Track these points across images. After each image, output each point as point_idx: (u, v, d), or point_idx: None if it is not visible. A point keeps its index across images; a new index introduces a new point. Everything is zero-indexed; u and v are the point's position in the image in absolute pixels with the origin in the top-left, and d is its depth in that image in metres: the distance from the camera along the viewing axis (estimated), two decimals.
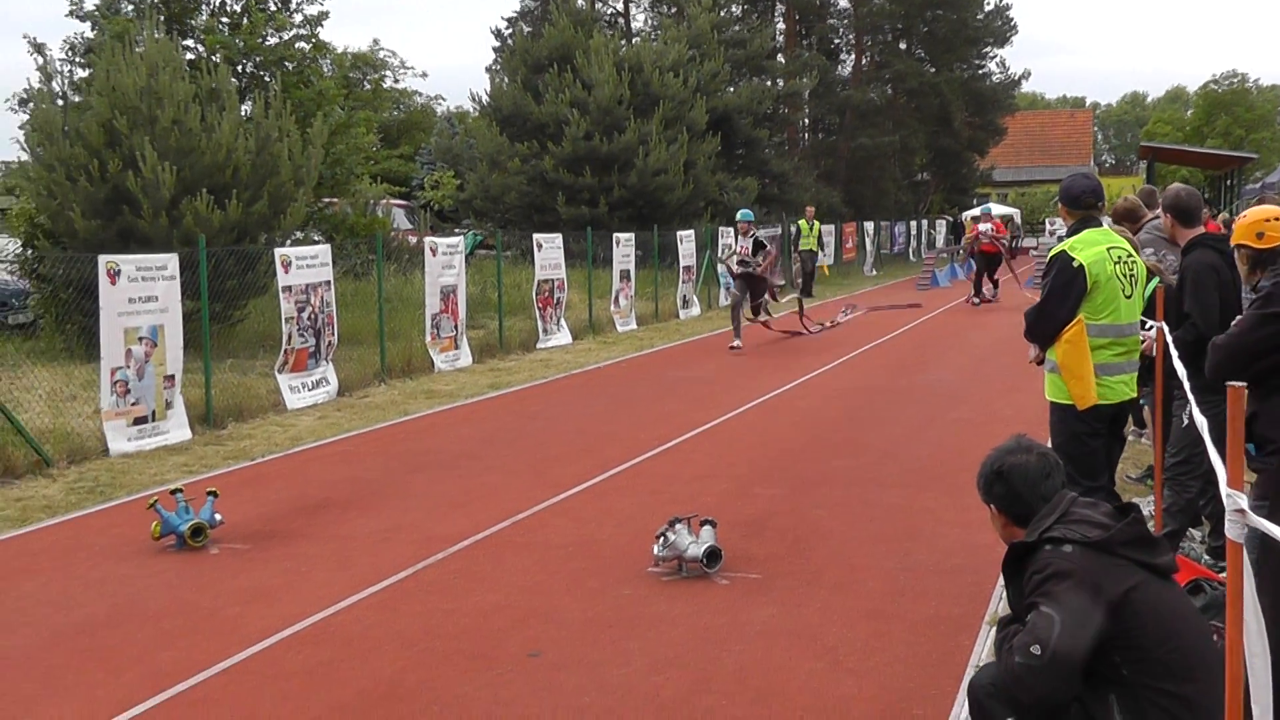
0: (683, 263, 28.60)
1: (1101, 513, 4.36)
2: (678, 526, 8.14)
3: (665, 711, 5.86)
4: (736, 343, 21.28)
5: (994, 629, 4.56)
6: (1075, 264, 7.14)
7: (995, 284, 31.66)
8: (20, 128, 25.01)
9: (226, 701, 6.16)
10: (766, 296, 23.05)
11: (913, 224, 56.36)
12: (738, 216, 22.42)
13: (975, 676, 4.47)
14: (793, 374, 17.72)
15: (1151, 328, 8.02)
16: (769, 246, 22.40)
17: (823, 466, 11.42)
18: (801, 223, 34.57)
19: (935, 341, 20.27)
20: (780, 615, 7.26)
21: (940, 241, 55.08)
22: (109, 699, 6.23)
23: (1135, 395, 7.49)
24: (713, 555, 8.03)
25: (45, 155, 19.12)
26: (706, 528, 8.26)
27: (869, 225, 46.10)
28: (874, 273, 44.38)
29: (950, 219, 57.80)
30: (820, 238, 36.04)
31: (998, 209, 65.51)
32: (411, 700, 6.10)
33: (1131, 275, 7.28)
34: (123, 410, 12.84)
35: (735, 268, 22.21)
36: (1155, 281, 8.38)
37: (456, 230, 38.97)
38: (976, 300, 30.11)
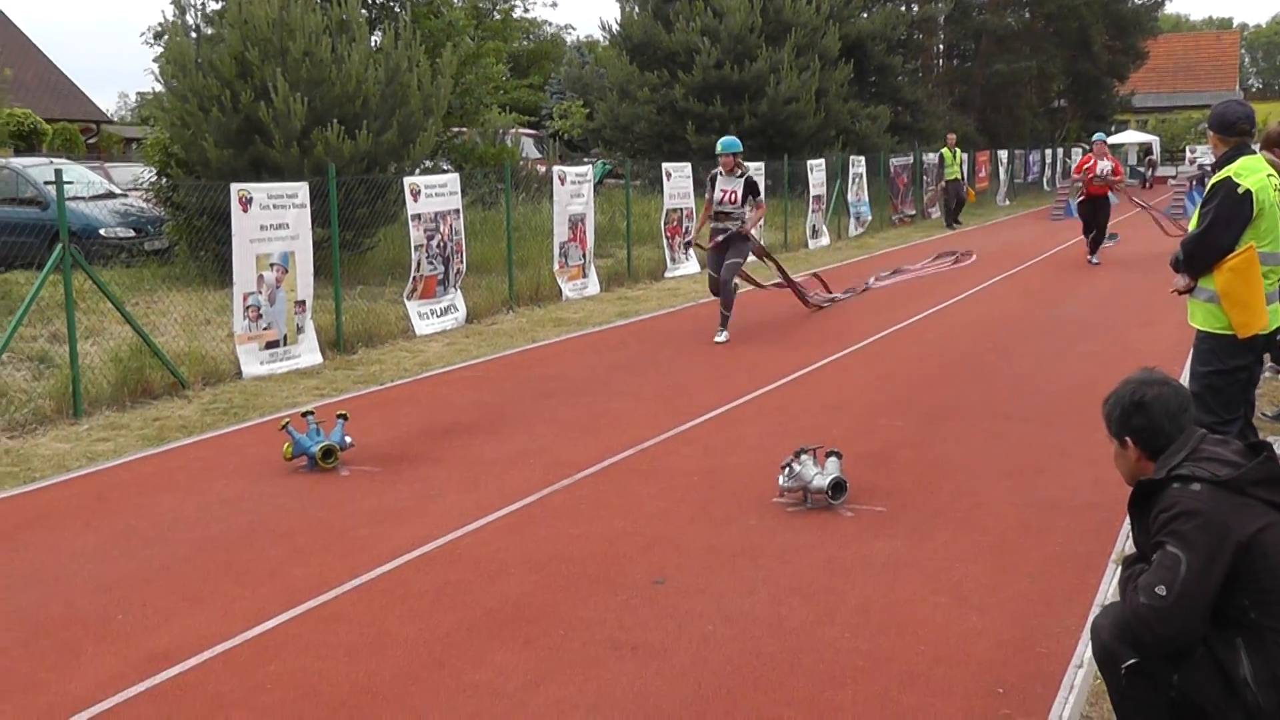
0: (813, 192, 28.31)
1: (1232, 450, 4.23)
2: (803, 457, 8.10)
3: (788, 641, 5.85)
4: (721, 336, 14.89)
5: (1119, 568, 4.46)
6: (1241, 190, 6.94)
7: (1111, 236, 25.27)
8: (155, 60, 25.43)
9: (357, 618, 6.28)
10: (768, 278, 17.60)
11: (1048, 152, 55.18)
12: (719, 147, 15.39)
13: (1099, 616, 4.38)
14: (922, 305, 17.50)
15: None
16: (760, 193, 15.59)
17: (950, 399, 11.29)
18: (945, 151, 33.67)
19: (1067, 273, 19.86)
20: (904, 549, 7.20)
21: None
22: (244, 611, 6.38)
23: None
24: (838, 487, 7.99)
25: (179, 87, 19.43)
26: (832, 459, 8.21)
27: (1003, 154, 45.19)
28: (1007, 202, 43.60)
29: (1087, 147, 56.51)
30: (964, 165, 35.25)
31: (1136, 136, 64.10)
32: (537, 621, 6.16)
33: None
34: (255, 334, 13.08)
35: (713, 226, 15.45)
36: None
37: (585, 159, 39.04)
38: (1094, 258, 23.18)
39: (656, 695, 5.29)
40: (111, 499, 8.70)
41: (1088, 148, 24.45)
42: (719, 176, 15.21)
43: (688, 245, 16.12)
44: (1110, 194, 23.74)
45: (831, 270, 23.11)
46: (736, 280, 15.23)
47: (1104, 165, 22.95)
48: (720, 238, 15.09)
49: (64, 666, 5.79)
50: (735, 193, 15.05)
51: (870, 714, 5.08)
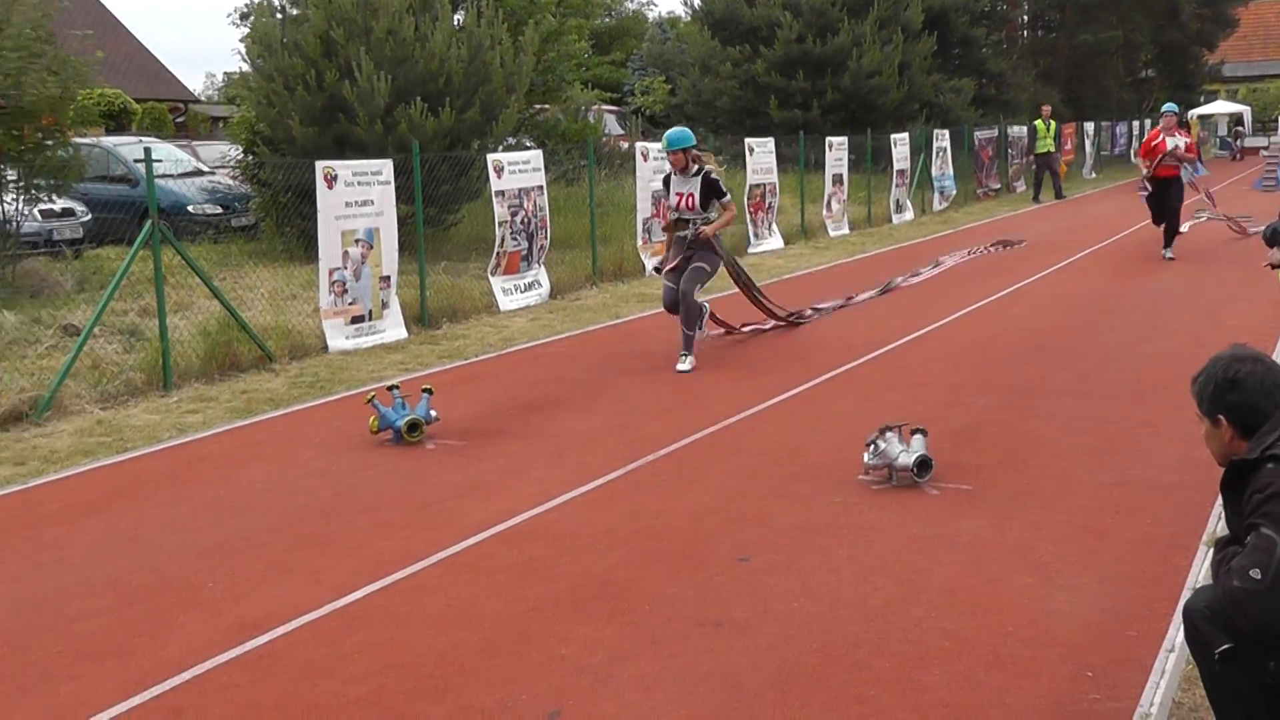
0: (896, 166, 28.09)
1: None
2: (888, 434, 8.04)
3: (873, 620, 5.82)
4: (685, 364, 11.86)
5: (1211, 550, 4.37)
6: None
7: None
8: (241, 41, 25.66)
9: (442, 590, 6.32)
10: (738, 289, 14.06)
11: (1135, 124, 54.29)
12: (664, 142, 12.51)
13: (1191, 599, 4.29)
14: (1008, 279, 17.30)
15: None
16: (726, 193, 12.38)
17: (1037, 376, 11.16)
18: (1038, 123, 33.00)
19: (1154, 247, 19.52)
20: (990, 528, 7.13)
21: None
22: (331, 582, 6.45)
23: None
24: (923, 464, 7.93)
25: (265, 66, 19.66)
26: (917, 436, 8.15)
27: (1089, 126, 44.55)
28: (1094, 175, 43.04)
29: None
30: (1058, 137, 34.60)
31: (1226, 106, 62.75)
32: (622, 597, 6.17)
33: None
34: (340, 309, 13.20)
35: (673, 233, 12.45)
36: None
37: None
38: (1169, 252, 19.54)
39: (741, 672, 5.28)
40: (200, 470, 8.83)
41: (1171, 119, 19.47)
42: (672, 178, 12.38)
43: (659, 269, 13.22)
44: (1183, 171, 19.48)
45: (914, 246, 22.94)
46: (702, 300, 12.31)
47: (1174, 142, 19.03)
48: (681, 236, 12.29)
49: (155, 633, 5.89)
50: (693, 196, 12.13)
51: (955, 695, 5.04)
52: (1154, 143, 19.41)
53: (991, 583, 6.26)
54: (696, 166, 12.17)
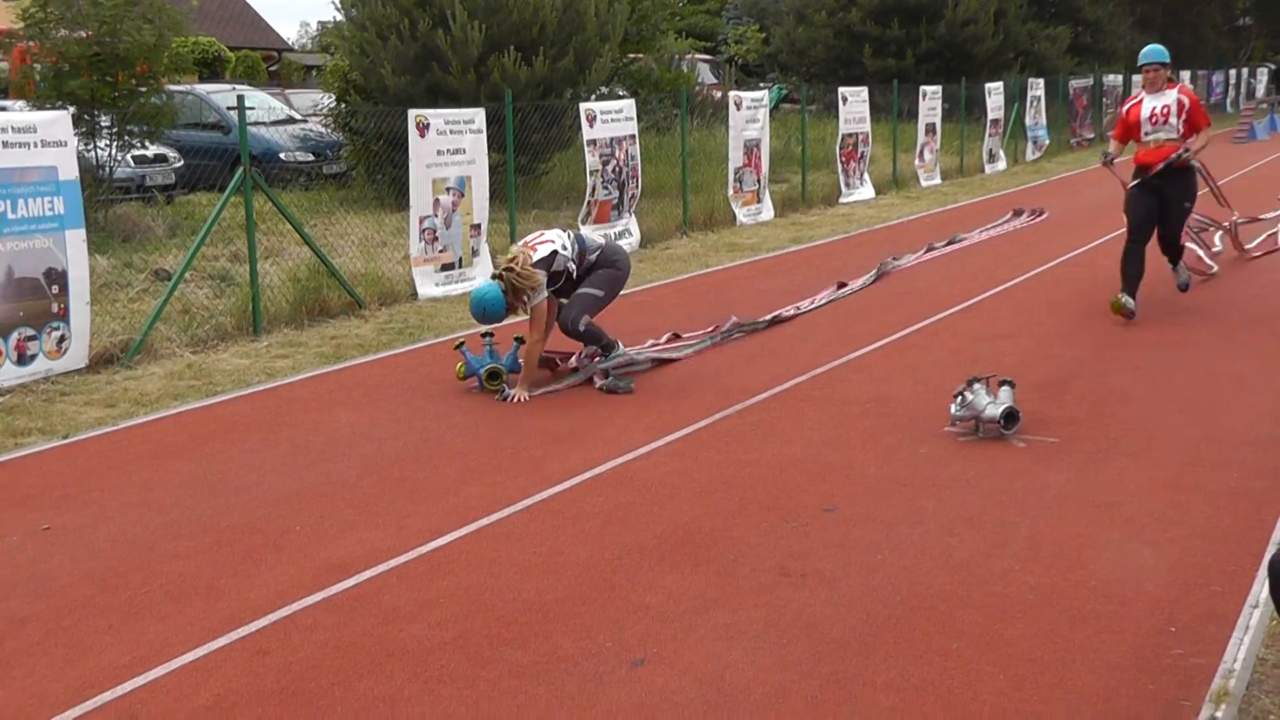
0: (990, 116, 27.71)
1: None
2: (976, 386, 7.96)
3: (959, 573, 5.77)
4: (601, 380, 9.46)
5: None
6: None
7: None
8: None
9: (529, 537, 6.35)
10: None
11: (1231, 73, 53.12)
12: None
13: (1276, 554, 4.22)
14: (1100, 230, 16.99)
15: None
16: (590, 252, 9.75)
17: (1127, 327, 10.99)
18: None
19: (1248, 199, 19.05)
20: (1077, 481, 7.04)
21: (1260, 91, 51.90)
22: (419, 528, 6.50)
23: None
24: (1010, 416, 7.84)
25: (359, 15, 19.77)
26: (1005, 388, 8.06)
27: (1185, 74, 43.58)
28: None
29: (1273, 66, 54.18)
30: None
31: None
32: (708, 546, 6.16)
33: None
34: (431, 257, 13.26)
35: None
36: None
37: (761, 84, 38.70)
38: (1181, 276, 12.38)
39: (825, 623, 5.26)
40: (289, 414, 8.92)
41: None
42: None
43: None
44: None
45: (1008, 195, 22.61)
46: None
47: (1157, 104, 11.48)
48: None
49: (244, 574, 5.97)
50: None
51: (1039, 650, 4.99)
52: (1129, 105, 11.90)
53: (1077, 537, 6.19)
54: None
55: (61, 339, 9.95)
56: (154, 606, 5.64)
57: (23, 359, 9.68)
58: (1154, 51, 11.49)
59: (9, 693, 4.88)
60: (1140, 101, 11.58)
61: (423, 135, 13.08)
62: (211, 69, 39.86)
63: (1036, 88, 30.67)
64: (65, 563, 6.20)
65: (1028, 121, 30.19)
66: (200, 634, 5.31)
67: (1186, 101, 11.29)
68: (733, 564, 5.92)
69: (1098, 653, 4.95)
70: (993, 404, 7.85)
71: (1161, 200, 11.34)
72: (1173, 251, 11.94)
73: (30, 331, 9.71)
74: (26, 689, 4.89)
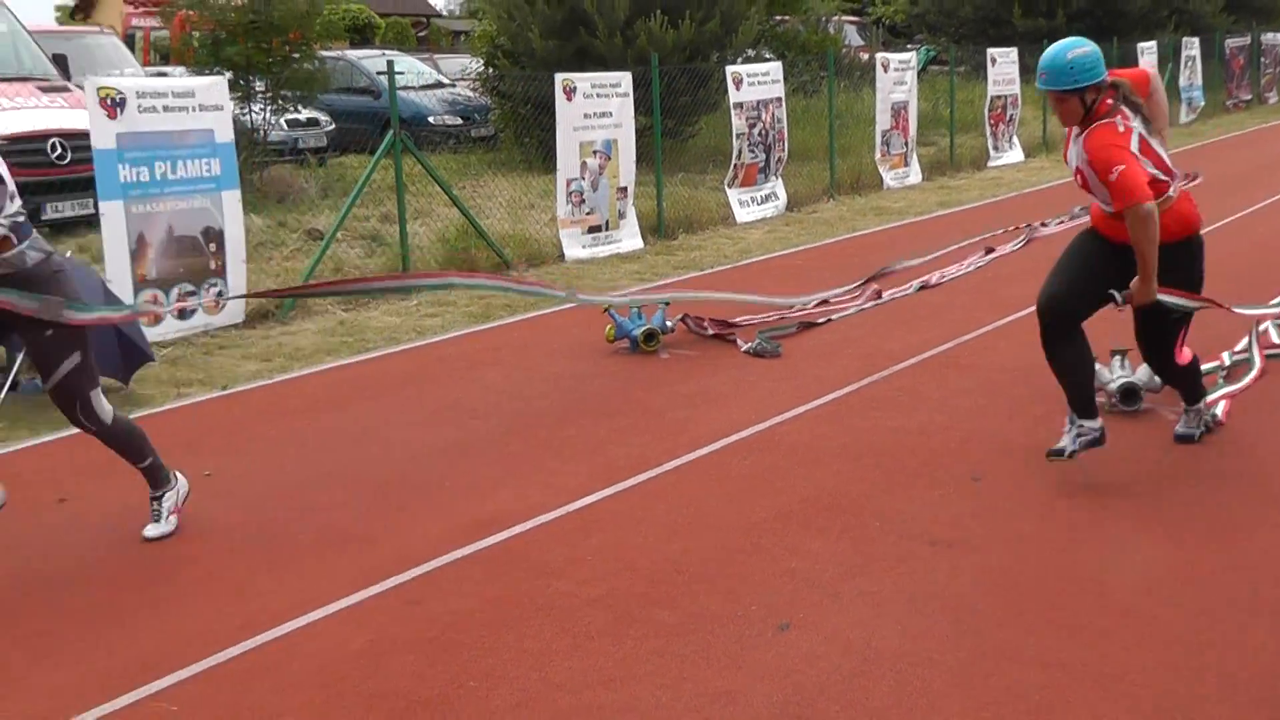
0: None
1: None
2: (1115, 359, 7.78)
3: (1107, 548, 5.63)
4: None
5: None
6: None
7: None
8: None
9: (674, 498, 6.37)
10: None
11: None
12: None
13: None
14: (1254, 195, 16.40)
15: None
16: None
17: None
18: None
19: None
20: (1235, 457, 6.80)
21: None
22: (565, 486, 6.56)
23: None
24: (1127, 394, 7.55)
25: None
26: (1144, 367, 7.83)
27: None
28: None
29: None
30: None
31: None
32: (853, 511, 6.13)
33: None
34: (578, 219, 13.36)
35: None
36: None
37: (909, 46, 38.19)
38: (1189, 428, 7.21)
39: (973, 594, 5.20)
40: (439, 372, 9.08)
41: None
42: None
43: None
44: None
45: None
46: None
47: (1073, 158, 6.48)
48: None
49: (396, 525, 6.10)
50: None
51: (1191, 631, 4.85)
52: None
53: (1232, 516, 6.00)
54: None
55: (219, 295, 10.24)
56: (310, 553, 5.80)
57: (183, 313, 10.06)
58: (1047, 61, 6.31)
59: (176, 627, 5.08)
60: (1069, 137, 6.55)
61: (570, 99, 13.17)
62: (362, 35, 40.47)
63: (1191, 47, 29.81)
64: (226, 508, 6.41)
65: (1181, 83, 29.37)
66: (354, 581, 5.45)
67: (1091, 171, 6.26)
68: (878, 531, 5.89)
69: (1254, 636, 4.81)
70: (1122, 378, 7.60)
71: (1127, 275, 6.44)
72: (1166, 369, 6.99)
73: (190, 287, 10.08)
74: (191, 626, 5.09)
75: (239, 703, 4.52)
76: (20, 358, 8.38)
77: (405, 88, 19.43)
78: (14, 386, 8.32)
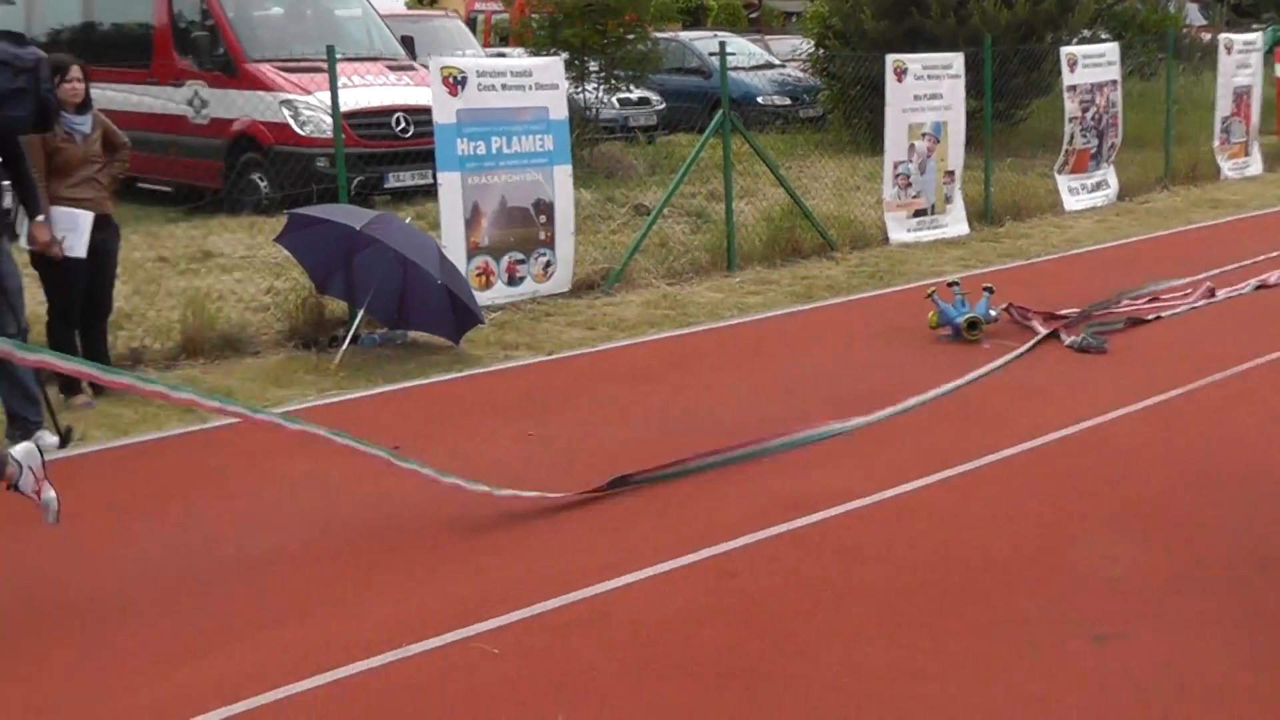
0: None
1: None
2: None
3: None
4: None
5: None
6: None
7: None
8: None
9: (993, 492, 6.30)
10: None
11: None
12: None
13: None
14: None
15: None
16: None
17: None
18: None
19: None
20: None
21: None
22: (882, 472, 6.53)
23: None
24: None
25: None
26: None
27: None
28: None
29: None
30: None
31: None
32: (1177, 524, 5.86)
33: None
34: (903, 202, 13.27)
35: None
36: None
37: (1255, 25, 36.38)
38: None
39: None
40: (759, 348, 9.26)
41: None
42: None
43: None
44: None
45: None
46: None
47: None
48: None
49: (712, 497, 6.24)
50: None
51: None
52: None
53: None
54: None
55: (547, 264, 10.70)
56: (626, 515, 6.03)
57: (512, 280, 10.55)
58: None
59: (493, 578, 5.37)
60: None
61: (900, 80, 13.10)
62: (694, 16, 40.89)
63: None
64: (546, 466, 6.74)
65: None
66: (670, 547, 5.62)
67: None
68: (1204, 545, 5.63)
69: None
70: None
71: None
72: None
73: (519, 256, 10.53)
74: (507, 577, 5.40)
75: (556, 653, 4.73)
76: (360, 313, 8.96)
77: (735, 68, 19.58)
78: (355, 339, 8.89)
